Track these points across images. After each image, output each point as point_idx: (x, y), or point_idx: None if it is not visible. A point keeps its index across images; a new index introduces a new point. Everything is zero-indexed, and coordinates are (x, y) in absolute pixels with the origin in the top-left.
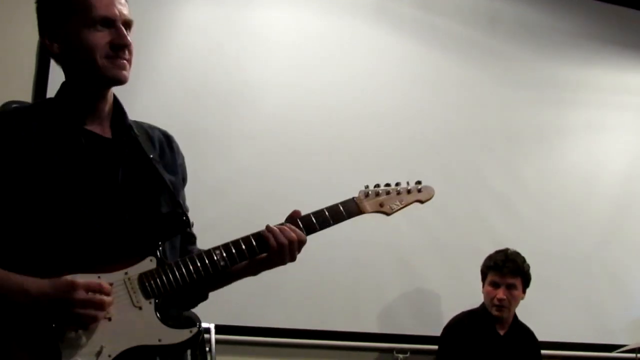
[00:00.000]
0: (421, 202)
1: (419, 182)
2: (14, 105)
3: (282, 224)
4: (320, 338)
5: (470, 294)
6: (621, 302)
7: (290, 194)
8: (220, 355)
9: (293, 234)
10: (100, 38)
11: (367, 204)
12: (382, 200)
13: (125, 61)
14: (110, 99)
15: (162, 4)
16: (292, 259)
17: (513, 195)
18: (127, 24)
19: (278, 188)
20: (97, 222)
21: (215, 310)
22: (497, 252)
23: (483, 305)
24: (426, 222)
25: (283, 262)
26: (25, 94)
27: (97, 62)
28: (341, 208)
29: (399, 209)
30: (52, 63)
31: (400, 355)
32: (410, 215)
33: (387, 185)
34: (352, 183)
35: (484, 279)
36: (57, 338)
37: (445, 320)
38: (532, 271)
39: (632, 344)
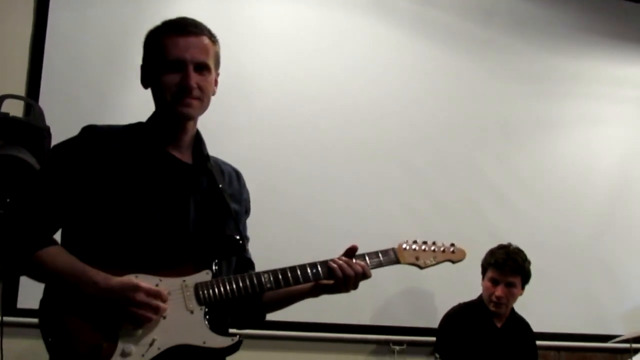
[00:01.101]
0: (452, 262)
1: (452, 245)
2: (109, 124)
3: (343, 258)
4: (317, 330)
5: (466, 286)
6: (615, 294)
7: (285, 185)
8: None
9: (360, 268)
10: (170, 79)
11: (405, 255)
12: (418, 254)
13: (190, 100)
14: (191, 130)
15: None
16: (355, 288)
17: (508, 188)
18: (201, 66)
19: (273, 180)
20: (167, 233)
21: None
22: (499, 248)
23: (480, 297)
24: (422, 215)
25: (346, 291)
26: (18, 89)
27: (167, 101)
28: (381, 257)
29: (432, 265)
30: (46, 58)
31: (397, 347)
32: (406, 207)
33: (425, 242)
34: (349, 174)
35: (484, 272)
36: (116, 326)
37: (441, 313)
38: (531, 260)
39: (627, 334)
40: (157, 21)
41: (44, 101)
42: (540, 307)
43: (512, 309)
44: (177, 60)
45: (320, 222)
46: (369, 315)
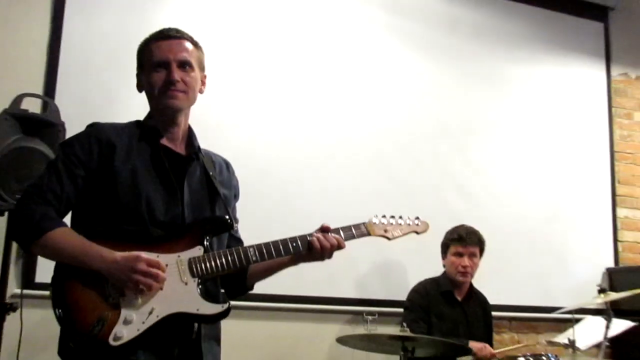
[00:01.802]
0: (417, 233)
1: (417, 218)
2: (112, 122)
3: (320, 233)
4: (300, 302)
5: (430, 263)
6: (561, 271)
7: (271, 175)
8: None
9: (335, 240)
10: (158, 77)
11: (374, 229)
12: (386, 227)
13: (176, 92)
14: (183, 125)
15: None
16: (329, 257)
17: (469, 178)
18: (183, 63)
19: (261, 169)
20: (163, 214)
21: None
22: (458, 227)
23: (444, 274)
24: (393, 201)
25: (322, 260)
26: (36, 88)
27: (155, 96)
28: (353, 230)
29: (399, 236)
30: (61, 61)
31: (370, 317)
32: (380, 195)
33: (392, 217)
34: (328, 165)
35: (445, 251)
36: (119, 297)
37: (409, 287)
38: (487, 243)
39: (570, 306)
40: (158, 29)
41: (59, 99)
42: (495, 283)
43: (471, 284)
44: (162, 60)
45: (304, 209)
46: (345, 289)
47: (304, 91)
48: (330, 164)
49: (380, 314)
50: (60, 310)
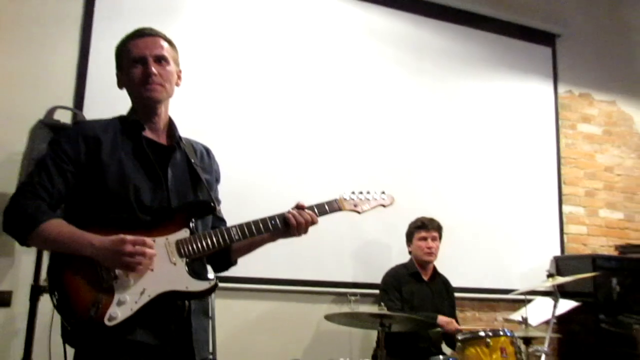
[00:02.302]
0: (384, 206)
1: (383, 192)
2: (97, 119)
3: (295, 210)
4: (292, 285)
5: (401, 252)
6: (516, 258)
7: (253, 161)
8: (217, 298)
9: (309, 216)
10: (137, 72)
11: (345, 204)
12: (356, 202)
13: (154, 85)
14: (163, 116)
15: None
16: (305, 233)
17: (438, 179)
18: (159, 58)
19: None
20: (150, 201)
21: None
22: (419, 218)
23: (411, 260)
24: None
25: (298, 235)
26: (67, 101)
27: (136, 89)
28: (326, 207)
29: (368, 210)
30: (88, 77)
31: (352, 297)
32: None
33: (361, 192)
34: (314, 157)
35: (410, 239)
36: (112, 280)
37: (384, 271)
38: (450, 234)
39: (523, 289)
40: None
41: (86, 111)
42: (460, 269)
43: (435, 267)
44: (139, 56)
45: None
46: (331, 273)
47: (293, 102)
48: (317, 163)
49: (362, 294)
50: (57, 297)
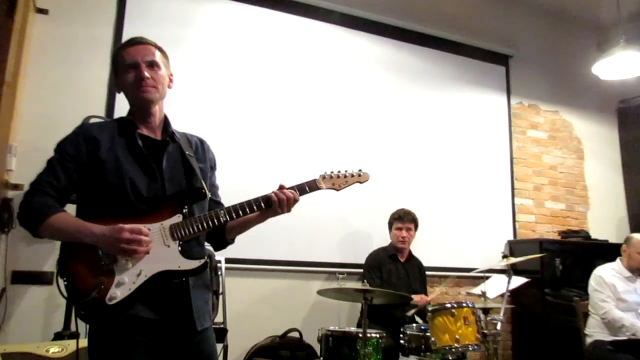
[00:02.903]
0: (360, 182)
1: (360, 170)
2: (99, 120)
3: (278, 190)
4: (290, 265)
5: (380, 238)
6: (476, 243)
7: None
8: (227, 277)
9: (290, 194)
10: (131, 76)
11: (323, 183)
12: (334, 181)
13: (148, 87)
14: (158, 115)
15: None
16: (289, 210)
17: (413, 175)
18: (151, 63)
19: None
20: (146, 191)
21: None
22: (398, 210)
23: (391, 244)
24: (355, 195)
25: (283, 212)
26: (100, 111)
27: (131, 92)
28: (306, 186)
29: (345, 187)
30: None
31: (340, 275)
32: (350, 188)
33: (339, 171)
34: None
35: (390, 227)
36: (112, 264)
37: (367, 253)
38: (422, 222)
39: (482, 268)
40: (187, 69)
41: None
42: (431, 252)
43: (410, 251)
44: (133, 62)
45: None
46: (323, 255)
47: (291, 108)
48: (308, 162)
49: (348, 273)
50: (65, 281)
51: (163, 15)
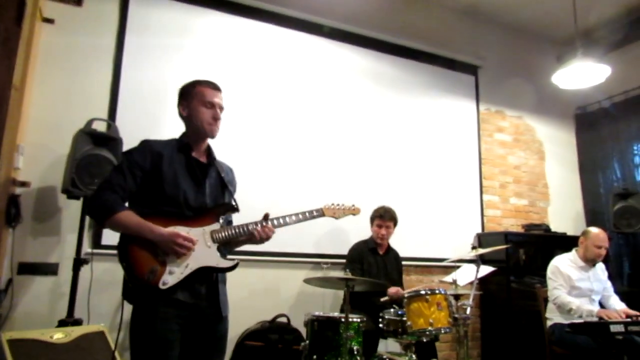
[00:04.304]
0: (353, 214)
1: (353, 205)
2: (157, 139)
3: (261, 224)
4: (279, 256)
5: (360, 232)
6: (448, 235)
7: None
8: None
9: (269, 232)
10: (209, 113)
11: (327, 212)
12: (334, 210)
13: (217, 127)
14: (206, 142)
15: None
16: (263, 242)
17: (391, 174)
18: (222, 108)
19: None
20: (193, 202)
21: None
22: (381, 207)
23: (371, 237)
24: (338, 191)
25: (258, 243)
26: (103, 113)
27: (202, 124)
28: (315, 212)
29: (342, 217)
30: (120, 95)
31: (325, 265)
32: (331, 183)
33: (338, 204)
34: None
35: (371, 222)
36: (165, 257)
37: (349, 245)
38: (400, 217)
39: (453, 257)
40: (184, 77)
41: (118, 122)
42: (405, 242)
43: (389, 244)
44: (213, 102)
45: (287, 201)
46: (309, 247)
47: (280, 117)
48: (300, 165)
49: (332, 263)
50: (125, 264)
51: (162, 26)
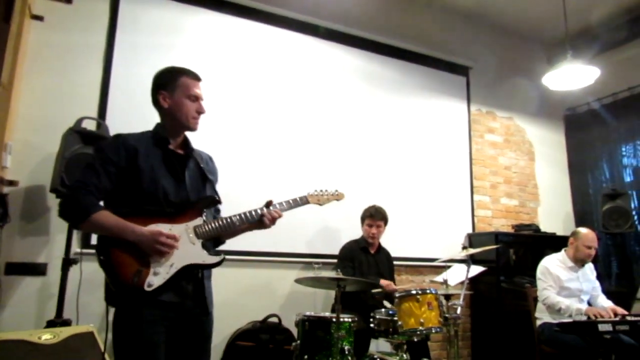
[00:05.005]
0: (337, 200)
1: (336, 190)
2: (131, 133)
3: (269, 208)
4: (271, 256)
5: (352, 231)
6: (439, 235)
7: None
8: None
9: (276, 214)
10: (192, 107)
11: (311, 199)
12: (318, 197)
13: (198, 120)
14: (184, 134)
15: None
16: (272, 225)
17: (382, 174)
18: (202, 99)
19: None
20: (173, 198)
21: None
22: (371, 207)
23: (362, 237)
24: (338, 184)
25: (268, 227)
26: (92, 112)
27: (188, 119)
28: (298, 200)
29: (326, 203)
30: (110, 94)
31: (316, 265)
32: (323, 183)
33: (322, 190)
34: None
35: (362, 221)
36: (148, 257)
37: (340, 245)
38: (391, 217)
39: (444, 257)
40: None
41: (108, 121)
42: (396, 242)
43: (380, 243)
44: (197, 95)
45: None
46: (300, 247)
47: (275, 116)
48: (292, 164)
49: (323, 263)
50: (108, 269)
51: (153, 24)
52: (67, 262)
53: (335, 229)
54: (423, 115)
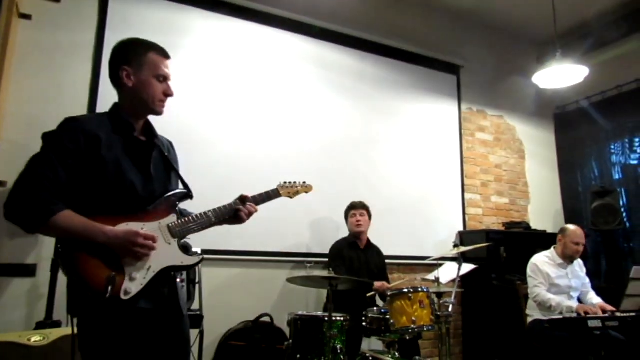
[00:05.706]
0: (306, 192)
1: (304, 182)
2: (86, 114)
3: (244, 203)
4: (263, 255)
5: (343, 230)
6: (430, 233)
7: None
8: (204, 267)
9: (253, 209)
10: (160, 88)
11: (282, 191)
12: (288, 190)
13: (165, 103)
14: (146, 118)
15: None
16: (247, 220)
17: (371, 173)
18: (170, 79)
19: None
20: (142, 192)
21: (201, 240)
22: (351, 203)
23: (350, 233)
24: (322, 191)
25: (243, 222)
26: (82, 111)
27: (154, 102)
28: (270, 193)
29: (296, 195)
30: (99, 95)
31: (308, 264)
32: (313, 181)
33: (291, 182)
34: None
35: (346, 218)
36: (120, 261)
37: (331, 244)
38: (382, 216)
39: (435, 256)
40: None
41: None
42: (388, 241)
43: (368, 238)
44: (166, 75)
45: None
46: (291, 246)
47: (262, 118)
48: (281, 165)
49: (315, 262)
50: (75, 277)
51: (143, 24)
52: (57, 264)
53: (327, 227)
54: (414, 114)
